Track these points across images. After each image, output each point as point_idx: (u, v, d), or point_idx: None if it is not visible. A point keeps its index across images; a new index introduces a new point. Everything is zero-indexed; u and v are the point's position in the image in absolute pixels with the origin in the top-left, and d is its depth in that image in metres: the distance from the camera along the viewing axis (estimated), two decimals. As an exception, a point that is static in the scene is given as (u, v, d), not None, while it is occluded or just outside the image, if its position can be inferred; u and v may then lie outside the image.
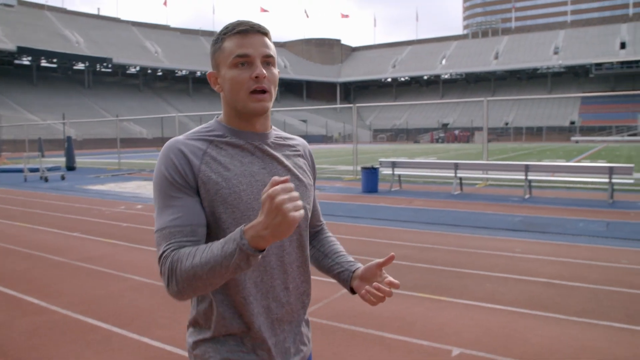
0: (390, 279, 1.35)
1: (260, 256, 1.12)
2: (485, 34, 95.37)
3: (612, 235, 7.36)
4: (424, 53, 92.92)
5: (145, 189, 14.53)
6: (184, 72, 76.68)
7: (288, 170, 1.39)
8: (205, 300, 1.34)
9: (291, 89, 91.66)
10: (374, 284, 1.36)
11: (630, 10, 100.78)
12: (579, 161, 24.54)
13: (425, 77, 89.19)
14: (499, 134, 69.46)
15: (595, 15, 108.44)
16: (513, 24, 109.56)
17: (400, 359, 3.41)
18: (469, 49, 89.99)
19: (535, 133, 66.95)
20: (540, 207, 10.14)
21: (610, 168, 10.64)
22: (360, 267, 1.46)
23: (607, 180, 10.77)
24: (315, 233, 1.63)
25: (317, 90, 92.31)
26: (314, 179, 1.53)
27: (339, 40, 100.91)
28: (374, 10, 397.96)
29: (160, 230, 1.25)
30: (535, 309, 4.26)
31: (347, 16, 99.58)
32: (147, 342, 3.76)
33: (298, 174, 1.42)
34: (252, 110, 1.31)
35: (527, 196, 11.39)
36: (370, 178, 12.80)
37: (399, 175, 13.48)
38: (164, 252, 1.21)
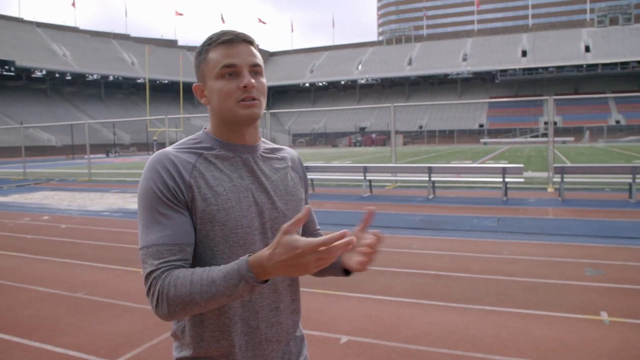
0: (369, 241, 1.27)
1: (263, 286, 1.11)
2: (399, 40, 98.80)
3: (501, 230, 8.08)
4: (341, 58, 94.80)
5: (53, 199, 14.03)
6: (95, 77, 73.63)
7: (277, 184, 1.36)
8: (181, 320, 1.31)
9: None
10: (359, 249, 1.27)
11: (530, 22, 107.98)
12: (483, 162, 26.13)
13: (343, 82, 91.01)
14: (413, 137, 72.24)
15: (499, 25, 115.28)
16: (425, 32, 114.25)
17: None
18: (384, 55, 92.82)
19: (447, 135, 70.17)
20: (441, 206, 10.85)
21: (504, 168, 11.56)
22: None
23: (501, 179, 11.69)
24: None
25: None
26: (306, 189, 1.50)
27: (257, 45, 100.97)
28: (291, 15, 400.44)
29: (147, 247, 1.20)
30: (421, 298, 4.71)
31: (264, 22, 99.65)
32: (49, 349, 3.82)
33: (289, 187, 1.39)
34: (242, 118, 1.28)
35: (430, 196, 12.12)
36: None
37: (312, 180, 13.88)
38: (152, 272, 1.17)
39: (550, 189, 12.91)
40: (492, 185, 14.01)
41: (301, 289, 1.42)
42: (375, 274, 5.59)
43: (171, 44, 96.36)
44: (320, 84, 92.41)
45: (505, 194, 11.63)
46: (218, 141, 1.32)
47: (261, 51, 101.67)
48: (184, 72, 74.10)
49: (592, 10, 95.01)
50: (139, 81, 76.57)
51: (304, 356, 1.45)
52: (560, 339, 3.75)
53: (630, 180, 10.93)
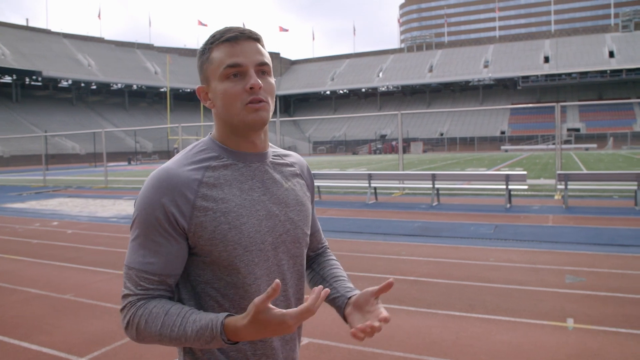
0: (384, 313, 1.22)
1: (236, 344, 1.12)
2: (420, 47, 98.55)
3: (496, 237, 8.08)
4: (362, 66, 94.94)
5: (67, 205, 14.42)
6: (119, 86, 75.14)
7: (287, 194, 1.30)
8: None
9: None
10: (366, 323, 1.15)
11: (553, 27, 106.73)
12: (498, 169, 25.92)
13: (364, 90, 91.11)
14: (434, 144, 71.87)
15: (522, 31, 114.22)
16: (446, 39, 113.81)
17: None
18: (405, 62, 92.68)
19: (468, 143, 69.63)
20: (442, 213, 10.87)
21: (507, 175, 11.52)
22: (357, 293, 1.32)
23: (504, 187, 11.65)
24: (317, 256, 1.53)
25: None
26: (312, 195, 1.43)
27: (278, 54, 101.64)
28: (312, 24, 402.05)
29: (129, 268, 1.18)
30: (392, 303, 4.78)
31: (286, 30, 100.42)
32: (25, 346, 4.00)
33: (299, 197, 1.32)
34: (250, 123, 1.19)
35: (434, 203, 12.13)
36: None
37: (318, 187, 14.01)
38: (128, 296, 1.16)
39: (557, 197, 12.80)
40: (499, 192, 13.96)
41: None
42: (354, 279, 5.67)
43: (194, 53, 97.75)
44: (341, 91, 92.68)
45: (509, 201, 11.58)
46: (225, 149, 1.24)
47: (282, 60, 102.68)
48: (205, 81, 74.98)
49: (616, 15, 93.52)
50: (162, 90, 77.82)
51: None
52: (518, 344, 3.79)
53: (635, 187, 10.81)
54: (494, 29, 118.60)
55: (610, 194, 13.20)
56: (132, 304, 1.15)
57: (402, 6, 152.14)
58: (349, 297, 1.33)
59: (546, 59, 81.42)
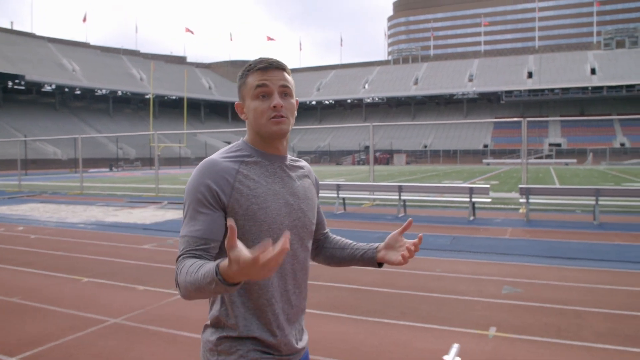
0: (413, 241, 1.61)
1: (238, 286, 1.26)
2: (406, 60, 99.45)
3: (452, 248, 8.27)
4: (348, 77, 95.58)
5: (38, 211, 14.40)
6: (103, 92, 74.71)
7: (299, 189, 1.61)
8: (223, 303, 1.52)
9: (216, 111, 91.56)
10: (406, 246, 1.61)
11: (537, 43, 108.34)
12: (474, 182, 26.25)
13: (349, 101, 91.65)
14: (417, 156, 72.42)
15: (507, 46, 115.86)
16: (432, 52, 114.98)
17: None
18: (391, 74, 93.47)
19: (451, 155, 70.26)
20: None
21: (470, 188, 11.76)
22: (380, 244, 1.70)
23: (468, 199, 11.89)
24: (324, 239, 1.87)
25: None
26: (317, 194, 1.76)
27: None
28: (301, 34, 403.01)
29: (182, 236, 1.46)
30: (328, 310, 4.94)
31: (273, 39, 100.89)
32: (-40, 348, 4.09)
33: (307, 193, 1.64)
34: (273, 133, 1.53)
35: (400, 214, 12.33)
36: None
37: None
38: (179, 257, 1.43)
39: (522, 210, 13.06)
40: (465, 205, 14.18)
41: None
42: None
43: (180, 60, 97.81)
44: (327, 102, 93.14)
45: (473, 214, 11.82)
46: (256, 150, 1.57)
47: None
48: (189, 89, 75.09)
49: (599, 33, 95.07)
50: (147, 96, 77.56)
51: (305, 341, 1.66)
52: (435, 350, 3.96)
53: (594, 202, 11.10)
54: (479, 43, 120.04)
55: (573, 208, 13.51)
56: (180, 261, 1.41)
57: (390, 19, 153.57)
58: (376, 247, 1.71)
59: (530, 74, 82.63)
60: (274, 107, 1.51)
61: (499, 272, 6.55)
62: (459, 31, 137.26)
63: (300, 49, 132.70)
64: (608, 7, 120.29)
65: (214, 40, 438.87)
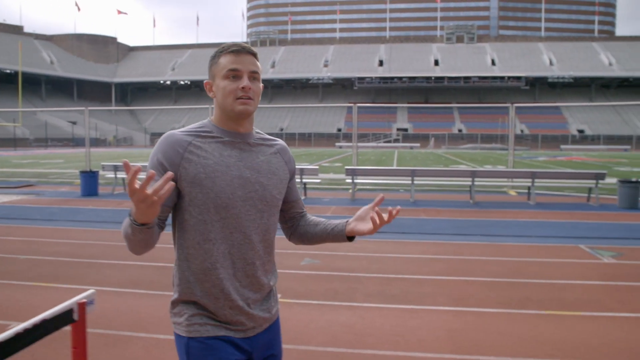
0: (387, 209, 1.63)
1: (146, 227, 1.43)
2: (264, 43, 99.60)
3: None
4: (205, 57, 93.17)
5: None
6: None
7: (262, 164, 1.66)
8: (177, 268, 1.63)
9: (60, 88, 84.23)
10: (376, 210, 1.64)
11: (388, 33, 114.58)
12: (319, 164, 27.33)
13: (205, 81, 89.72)
14: (274, 139, 73.26)
15: (361, 34, 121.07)
16: (289, 36, 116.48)
17: (160, 356, 3.73)
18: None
19: (306, 138, 72.14)
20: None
21: (301, 170, 12.32)
22: (351, 217, 1.73)
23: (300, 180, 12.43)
24: (302, 217, 1.89)
25: (89, 90, 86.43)
26: (292, 173, 1.79)
27: (114, 38, 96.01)
28: (154, 9, 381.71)
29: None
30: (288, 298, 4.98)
31: (125, 13, 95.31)
32: None
33: (272, 168, 1.68)
34: (238, 113, 1.59)
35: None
36: (90, 182, 12.84)
37: (123, 179, 13.72)
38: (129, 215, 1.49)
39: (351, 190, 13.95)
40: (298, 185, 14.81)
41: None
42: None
43: (16, 29, 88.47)
44: (182, 82, 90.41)
45: (305, 193, 12.40)
46: (217, 128, 1.64)
47: (120, 45, 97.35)
48: (27, 62, 68.63)
49: (442, 28, 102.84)
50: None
51: (276, 306, 1.76)
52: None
53: (410, 182, 12.20)
54: (335, 30, 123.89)
55: (397, 187, 14.72)
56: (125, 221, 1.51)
57: (249, 0, 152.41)
58: (347, 221, 1.75)
59: (381, 63, 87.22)
60: (243, 88, 1.59)
61: (299, 246, 7.00)
62: (316, 17, 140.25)
63: (154, 26, 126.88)
64: (451, 5, 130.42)
65: (57, 10, 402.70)
